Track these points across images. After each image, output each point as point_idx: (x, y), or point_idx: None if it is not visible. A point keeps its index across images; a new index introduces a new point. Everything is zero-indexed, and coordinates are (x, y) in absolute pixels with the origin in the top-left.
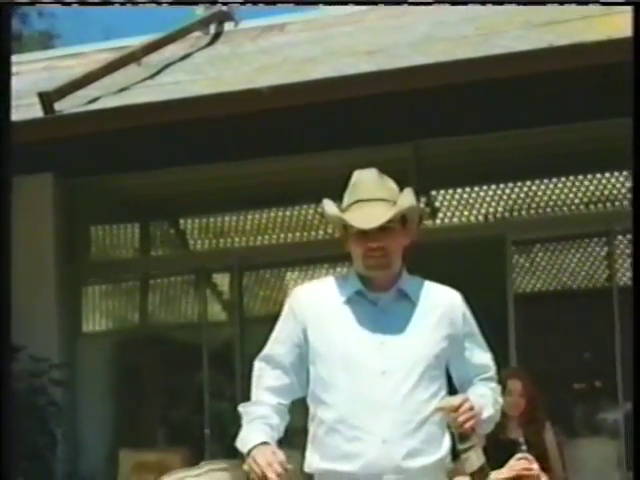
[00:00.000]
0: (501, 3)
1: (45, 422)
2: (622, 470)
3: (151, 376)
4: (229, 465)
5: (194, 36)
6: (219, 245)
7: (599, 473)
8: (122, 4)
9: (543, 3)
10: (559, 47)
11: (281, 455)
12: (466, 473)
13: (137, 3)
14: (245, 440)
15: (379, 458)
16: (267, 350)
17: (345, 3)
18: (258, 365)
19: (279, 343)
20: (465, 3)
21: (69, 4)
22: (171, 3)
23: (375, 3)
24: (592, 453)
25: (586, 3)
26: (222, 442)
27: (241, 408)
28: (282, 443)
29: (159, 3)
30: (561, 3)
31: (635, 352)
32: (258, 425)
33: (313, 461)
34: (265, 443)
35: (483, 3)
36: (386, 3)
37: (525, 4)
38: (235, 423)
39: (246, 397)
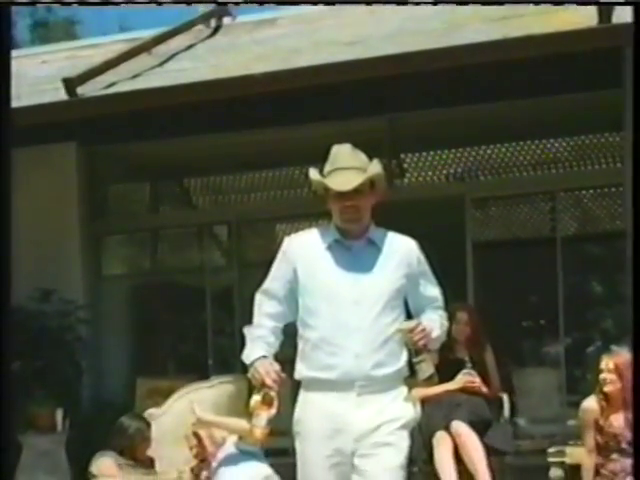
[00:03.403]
0: (500, 3)
1: (73, 355)
2: (562, 394)
3: (162, 315)
4: (234, 378)
5: (197, 29)
6: (218, 202)
7: (543, 397)
8: (120, 4)
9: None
10: (513, 38)
11: (277, 366)
12: (419, 380)
13: (136, 3)
14: (249, 354)
15: (352, 368)
16: (265, 285)
17: (346, 2)
18: (258, 297)
19: (275, 279)
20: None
21: (69, 4)
22: (167, 3)
23: (380, 3)
24: (537, 380)
25: (586, 3)
26: (223, 371)
27: (245, 329)
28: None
29: (158, 3)
30: (560, 3)
31: (635, 354)
32: (259, 343)
33: (301, 370)
34: (264, 357)
35: (484, 3)
36: (388, 3)
37: (526, 3)
38: (234, 355)
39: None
